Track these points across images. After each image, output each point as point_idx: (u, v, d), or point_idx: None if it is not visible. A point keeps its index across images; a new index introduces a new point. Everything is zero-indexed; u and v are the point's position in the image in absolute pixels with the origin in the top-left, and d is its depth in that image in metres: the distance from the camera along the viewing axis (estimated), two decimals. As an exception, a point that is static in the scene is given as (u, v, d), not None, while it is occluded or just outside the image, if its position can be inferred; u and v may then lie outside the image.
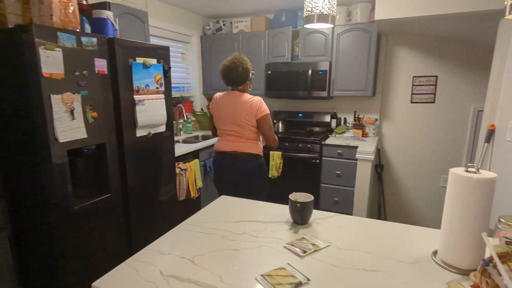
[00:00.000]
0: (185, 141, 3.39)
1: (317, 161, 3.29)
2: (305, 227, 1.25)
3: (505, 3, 1.03)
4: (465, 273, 0.91)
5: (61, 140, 1.62)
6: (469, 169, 0.92)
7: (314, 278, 0.91)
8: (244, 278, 0.91)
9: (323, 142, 3.26)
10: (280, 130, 3.70)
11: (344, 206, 3.25)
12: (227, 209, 1.44)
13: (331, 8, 1.21)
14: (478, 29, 2.81)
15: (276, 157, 3.29)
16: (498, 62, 2.16)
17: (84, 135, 1.76)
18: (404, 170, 3.57)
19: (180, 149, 2.83)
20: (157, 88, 2.22)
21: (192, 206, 2.92)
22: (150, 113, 2.18)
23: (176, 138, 3.35)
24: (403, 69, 3.39)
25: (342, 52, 3.28)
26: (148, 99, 2.15)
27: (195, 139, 3.54)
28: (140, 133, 2.15)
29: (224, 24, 3.92)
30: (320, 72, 3.33)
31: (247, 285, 0.88)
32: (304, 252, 1.05)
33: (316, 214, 1.34)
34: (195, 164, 2.88)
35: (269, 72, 3.56)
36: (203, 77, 4.10)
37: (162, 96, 2.27)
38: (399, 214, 3.67)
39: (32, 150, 1.62)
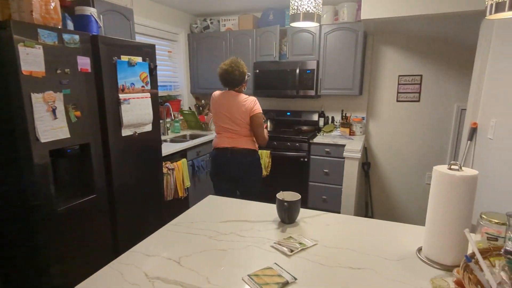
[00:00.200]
0: (172, 141, 3.35)
1: (305, 159, 3.30)
2: (292, 226, 1.25)
3: (486, 3, 1.05)
4: (448, 269, 0.93)
5: (42, 140, 1.58)
6: (452, 166, 0.94)
7: (301, 277, 0.91)
8: (231, 279, 0.90)
9: (311, 141, 3.28)
10: (268, 129, 3.70)
11: (332, 204, 3.28)
12: (215, 209, 1.43)
13: (316, 7, 1.21)
14: (461, 29, 2.88)
15: (264, 156, 3.29)
16: (480, 62, 2.21)
17: (67, 135, 1.72)
18: (390, 167, 3.63)
19: (168, 148, 2.79)
20: (142, 86, 2.18)
21: (180, 206, 2.89)
22: (135, 112, 2.14)
23: (163, 138, 3.30)
24: (389, 68, 3.43)
25: (329, 51, 3.31)
26: (134, 98, 2.12)
27: (183, 138, 3.50)
28: (125, 132, 2.11)
29: (211, 23, 3.89)
30: (307, 71, 3.34)
31: (234, 285, 0.88)
32: (291, 251, 1.05)
33: (303, 212, 1.35)
34: (182, 164, 2.85)
35: (257, 71, 3.56)
36: (191, 76, 4.06)
37: (148, 94, 2.23)
38: (386, 211, 3.72)
39: (12, 150, 1.57)
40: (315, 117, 3.72)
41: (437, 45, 3.20)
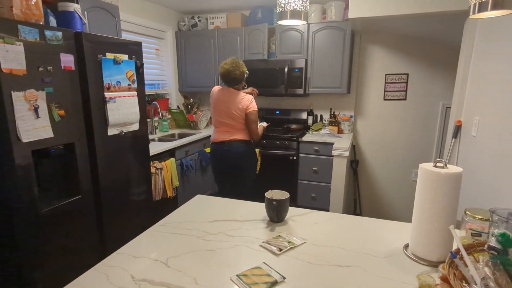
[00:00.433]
0: (161, 140, 3.31)
1: (295, 158, 3.31)
2: (281, 225, 1.25)
3: (470, 3, 1.06)
4: (434, 265, 0.95)
5: (24, 140, 1.53)
6: (438, 164, 0.95)
7: (289, 276, 0.91)
8: (219, 279, 0.90)
9: (300, 139, 3.29)
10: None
11: (321, 202, 3.30)
12: (203, 208, 1.42)
13: (303, 5, 1.21)
14: (446, 29, 2.93)
15: (253, 155, 3.28)
16: (464, 61, 2.25)
17: (50, 135, 1.67)
18: (378, 165, 3.68)
19: (156, 147, 2.76)
20: (129, 85, 2.14)
21: (169, 205, 2.86)
22: (122, 110, 2.10)
23: (151, 137, 3.26)
24: (376, 67, 3.47)
25: (317, 49, 3.32)
26: (120, 97, 2.08)
27: (171, 137, 3.46)
28: (112, 131, 2.07)
29: (199, 20, 3.85)
30: (296, 70, 3.35)
31: (222, 286, 0.87)
32: (280, 250, 1.05)
33: (292, 211, 1.35)
34: (171, 163, 2.82)
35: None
36: (179, 74, 4.02)
37: (135, 93, 2.19)
38: (374, 208, 3.78)
39: (-8, 151, 1.52)
40: (304, 115, 3.73)
41: (423, 45, 3.25)
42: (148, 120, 3.20)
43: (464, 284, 0.73)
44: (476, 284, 0.72)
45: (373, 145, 3.65)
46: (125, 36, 3.15)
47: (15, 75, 1.47)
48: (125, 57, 2.10)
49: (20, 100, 1.49)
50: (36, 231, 1.65)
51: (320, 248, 1.07)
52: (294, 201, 3.40)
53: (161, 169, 2.68)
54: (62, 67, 1.72)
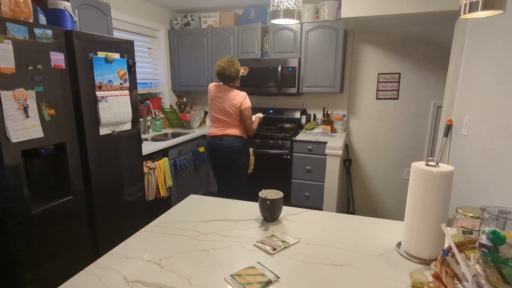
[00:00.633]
0: (153, 139, 3.28)
1: (288, 157, 3.32)
2: (275, 224, 1.25)
3: (460, 3, 1.08)
4: (427, 263, 0.96)
5: (13, 140, 1.50)
6: (429, 163, 0.96)
7: (283, 275, 0.91)
8: (213, 280, 0.89)
9: (293, 138, 3.30)
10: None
11: (315, 201, 3.31)
12: (196, 208, 1.41)
13: (296, 4, 1.21)
14: (438, 29, 2.96)
15: (247, 154, 3.28)
16: (454, 61, 2.28)
17: (41, 134, 1.64)
18: (370, 164, 3.70)
19: (149, 147, 2.73)
20: (121, 84, 2.12)
21: (162, 205, 2.84)
22: (114, 110, 2.08)
23: (144, 136, 3.23)
24: (368, 67, 3.49)
25: (310, 49, 3.32)
26: (112, 96, 2.05)
27: (165, 137, 3.44)
28: (104, 131, 2.04)
29: (192, 19, 3.82)
30: (289, 69, 3.35)
31: (216, 286, 0.86)
32: (274, 249, 1.05)
33: (286, 210, 1.35)
34: (164, 163, 2.80)
35: (239, 68, 3.53)
36: (172, 73, 3.99)
37: (127, 92, 2.17)
38: (367, 207, 3.80)
39: (-20, 151, 1.49)
40: (297, 114, 3.74)
41: (415, 44, 3.28)
42: (141, 119, 3.17)
43: (455, 281, 0.74)
44: (467, 281, 0.73)
45: (366, 144, 3.68)
46: (117, 34, 3.11)
47: (3, 74, 1.44)
48: (116, 55, 2.07)
49: (9, 100, 1.47)
50: (27, 232, 1.62)
51: (314, 247, 1.07)
52: (287, 200, 3.41)
53: (154, 169, 2.66)
54: (52, 66, 1.69)
